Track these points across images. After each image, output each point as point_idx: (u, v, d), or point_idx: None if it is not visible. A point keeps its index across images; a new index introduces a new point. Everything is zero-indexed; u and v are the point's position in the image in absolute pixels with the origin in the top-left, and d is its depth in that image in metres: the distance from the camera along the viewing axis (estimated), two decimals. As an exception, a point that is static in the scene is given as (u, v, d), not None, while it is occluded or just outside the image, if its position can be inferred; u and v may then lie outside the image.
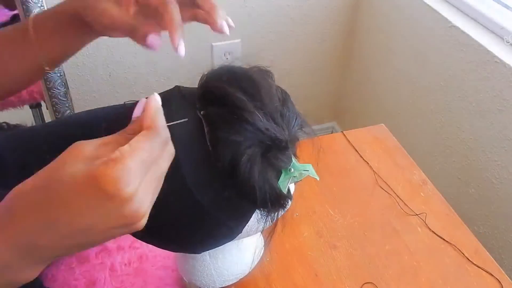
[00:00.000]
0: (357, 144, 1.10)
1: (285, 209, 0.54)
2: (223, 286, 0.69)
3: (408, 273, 0.84)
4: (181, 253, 0.68)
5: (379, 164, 1.05)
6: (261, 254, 0.76)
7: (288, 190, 0.52)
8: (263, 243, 0.75)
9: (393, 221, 0.93)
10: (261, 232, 0.76)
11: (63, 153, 0.34)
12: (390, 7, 1.54)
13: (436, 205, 0.97)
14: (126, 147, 0.33)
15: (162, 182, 0.37)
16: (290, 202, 0.55)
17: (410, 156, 1.09)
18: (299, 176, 0.49)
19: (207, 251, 0.63)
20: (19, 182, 0.42)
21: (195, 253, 0.60)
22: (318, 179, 0.52)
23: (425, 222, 0.92)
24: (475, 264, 0.85)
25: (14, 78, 0.56)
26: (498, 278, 0.83)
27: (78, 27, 0.53)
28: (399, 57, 1.56)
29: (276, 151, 0.46)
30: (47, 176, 0.34)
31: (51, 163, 0.34)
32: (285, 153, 0.47)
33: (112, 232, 0.34)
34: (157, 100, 0.37)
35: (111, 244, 0.81)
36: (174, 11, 0.45)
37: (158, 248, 0.83)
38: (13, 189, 0.34)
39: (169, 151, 0.37)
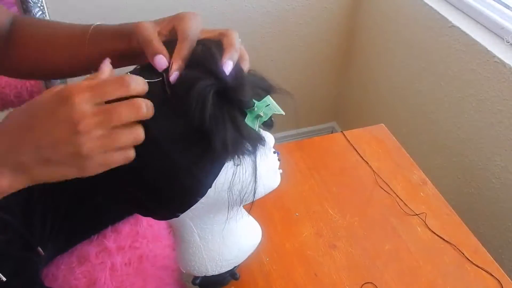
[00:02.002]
0: (357, 144, 1.10)
1: (251, 154, 0.54)
2: (216, 273, 0.69)
3: (408, 273, 0.84)
4: (176, 241, 0.67)
5: (379, 164, 1.05)
6: (256, 243, 0.74)
7: (259, 133, 0.53)
8: (259, 233, 0.75)
9: (393, 221, 0.93)
10: (254, 221, 0.76)
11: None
12: (390, 7, 1.54)
13: (436, 205, 0.97)
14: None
15: (116, 132, 0.43)
16: (261, 145, 0.55)
17: (410, 156, 1.09)
18: (264, 115, 0.50)
19: (195, 231, 0.63)
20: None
21: (170, 213, 0.58)
22: (283, 113, 0.52)
23: (425, 222, 0.92)
24: (475, 264, 0.85)
25: (61, 69, 0.65)
26: (498, 278, 0.83)
27: (126, 48, 0.57)
28: (399, 57, 1.56)
29: (235, 88, 0.49)
30: (27, 104, 0.44)
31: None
32: (244, 89, 0.50)
33: (60, 148, 0.41)
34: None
35: (111, 244, 0.81)
36: (186, 47, 0.50)
37: (158, 248, 0.83)
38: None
39: (132, 103, 0.43)
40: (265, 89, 0.54)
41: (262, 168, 0.57)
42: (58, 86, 0.43)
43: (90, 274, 0.76)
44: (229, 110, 0.49)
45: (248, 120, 0.50)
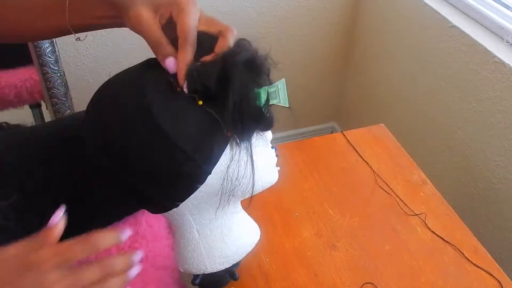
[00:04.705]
0: (357, 144, 1.10)
1: (252, 135, 0.55)
2: (215, 270, 0.68)
3: (408, 273, 0.84)
4: (175, 239, 0.68)
5: (379, 164, 1.05)
6: (255, 241, 0.74)
7: (270, 115, 0.54)
8: (258, 231, 0.75)
9: (393, 221, 0.93)
10: (251, 218, 0.76)
11: None
12: (390, 7, 1.54)
13: (436, 205, 0.97)
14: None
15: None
16: (265, 125, 0.55)
17: (410, 156, 1.09)
18: (271, 96, 0.53)
19: (194, 227, 0.63)
20: (18, 182, 0.43)
21: (170, 201, 0.57)
22: (287, 106, 0.54)
23: (425, 222, 0.92)
24: (475, 264, 0.85)
25: (40, 35, 0.65)
26: (498, 278, 0.83)
27: (111, 17, 0.56)
28: (399, 57, 1.56)
29: (261, 59, 0.51)
30: None
31: None
32: (266, 69, 0.53)
33: None
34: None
35: (111, 244, 0.81)
36: (189, 52, 0.50)
37: (158, 248, 0.83)
38: None
39: (102, 266, 0.46)
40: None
41: (259, 160, 0.57)
42: (26, 243, 0.44)
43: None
44: (249, 83, 0.51)
45: (258, 92, 0.51)
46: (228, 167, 0.54)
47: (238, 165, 0.54)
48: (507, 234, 1.21)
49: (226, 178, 0.54)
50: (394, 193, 0.98)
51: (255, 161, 0.56)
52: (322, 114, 2.07)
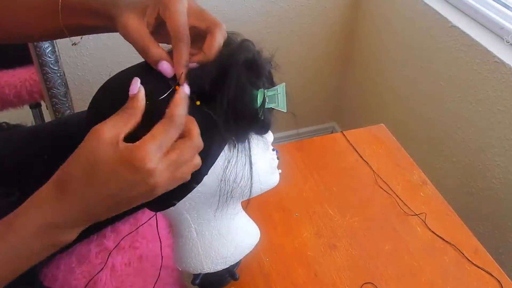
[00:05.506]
0: (357, 144, 1.10)
1: (246, 136, 0.54)
2: (212, 270, 0.68)
3: (408, 273, 0.84)
4: (174, 237, 0.67)
5: (379, 164, 1.05)
6: (253, 243, 0.74)
7: (266, 118, 0.54)
8: (258, 233, 0.75)
9: (393, 221, 0.93)
10: (251, 219, 0.75)
11: (87, 140, 0.43)
12: (390, 7, 1.54)
13: (436, 205, 0.97)
14: (147, 135, 0.43)
15: (181, 167, 0.46)
16: (258, 125, 0.55)
17: (410, 156, 1.09)
18: (269, 100, 0.52)
19: (192, 226, 0.63)
20: (17, 182, 0.44)
21: (166, 199, 0.57)
22: (285, 111, 0.54)
23: (424, 222, 0.92)
24: (475, 264, 0.85)
25: (38, 36, 0.65)
26: (498, 278, 0.83)
27: (101, 27, 0.56)
28: (399, 57, 1.56)
29: (259, 68, 0.51)
30: (86, 162, 0.43)
31: (79, 149, 0.43)
32: (266, 72, 0.53)
33: (136, 198, 0.45)
34: (184, 92, 0.47)
35: (110, 244, 0.81)
36: (184, 52, 0.49)
37: (158, 248, 0.83)
38: (60, 170, 0.44)
39: (194, 144, 0.46)
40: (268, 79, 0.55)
41: (259, 162, 0.57)
42: (110, 138, 0.42)
43: (90, 274, 0.76)
44: (247, 85, 0.50)
45: (255, 94, 0.51)
46: (225, 168, 0.54)
47: (236, 167, 0.54)
48: (507, 234, 1.21)
49: (223, 179, 0.54)
50: (394, 193, 0.98)
51: (254, 163, 0.56)
52: (322, 114, 2.07)
